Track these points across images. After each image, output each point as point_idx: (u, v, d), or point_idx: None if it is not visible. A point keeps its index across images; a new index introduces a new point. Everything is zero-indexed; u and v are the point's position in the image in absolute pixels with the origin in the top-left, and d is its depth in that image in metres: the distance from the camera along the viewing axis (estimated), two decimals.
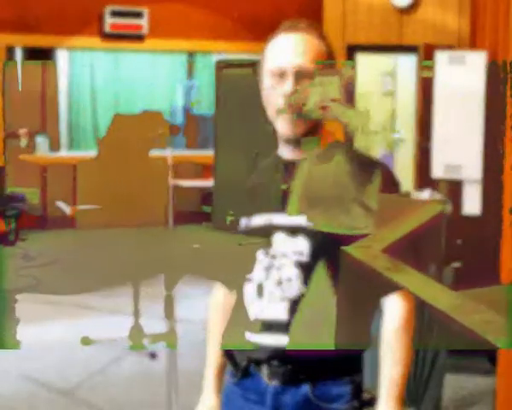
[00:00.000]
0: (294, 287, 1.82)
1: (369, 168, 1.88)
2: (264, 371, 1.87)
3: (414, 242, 1.80)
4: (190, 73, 10.05)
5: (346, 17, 6.42)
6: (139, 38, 7.47)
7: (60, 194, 5.11)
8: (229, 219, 2.00)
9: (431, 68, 4.47)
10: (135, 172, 5.04)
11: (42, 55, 8.39)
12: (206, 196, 7.80)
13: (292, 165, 1.91)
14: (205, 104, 9.68)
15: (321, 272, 1.83)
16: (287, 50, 1.85)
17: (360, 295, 1.85)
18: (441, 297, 1.78)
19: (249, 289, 1.89)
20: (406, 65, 7.38)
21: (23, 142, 8.06)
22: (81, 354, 4.93)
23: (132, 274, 5.35)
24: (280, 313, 1.83)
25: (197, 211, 7.34)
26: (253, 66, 1.94)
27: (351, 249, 1.76)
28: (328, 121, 1.93)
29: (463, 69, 4.52)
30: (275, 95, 1.85)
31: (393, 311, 1.85)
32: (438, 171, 4.59)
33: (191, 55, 9.64)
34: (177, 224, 4.32)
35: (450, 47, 5.58)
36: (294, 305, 1.82)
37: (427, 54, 5.44)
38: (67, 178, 8.09)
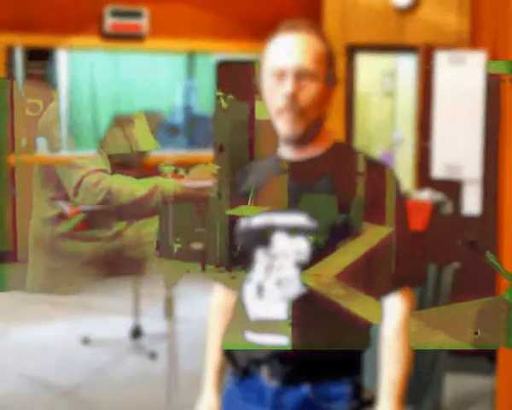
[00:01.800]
0: (294, 287, 1.82)
1: (370, 168, 1.88)
2: (264, 371, 1.87)
3: (365, 266, 1.81)
4: (190, 73, 10.04)
5: (346, 17, 6.40)
6: (139, 38, 7.46)
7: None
8: (176, 246, 2.04)
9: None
10: None
11: (42, 55, 8.38)
12: None
13: (292, 165, 1.91)
14: (205, 104, 9.66)
15: None
16: (287, 50, 1.85)
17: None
18: None
19: (249, 289, 1.89)
20: (406, 65, 7.38)
21: (23, 142, 8.05)
22: (81, 354, 4.93)
23: None
24: (280, 313, 1.83)
25: None
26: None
27: (304, 277, 1.78)
28: (329, 121, 1.93)
29: (463, 69, 4.52)
30: (275, 95, 1.85)
31: (393, 310, 1.85)
32: (438, 171, 4.59)
33: (191, 55, 9.63)
34: None
35: (450, 47, 5.58)
36: (294, 305, 1.82)
37: (427, 54, 5.43)
38: None
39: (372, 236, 1.80)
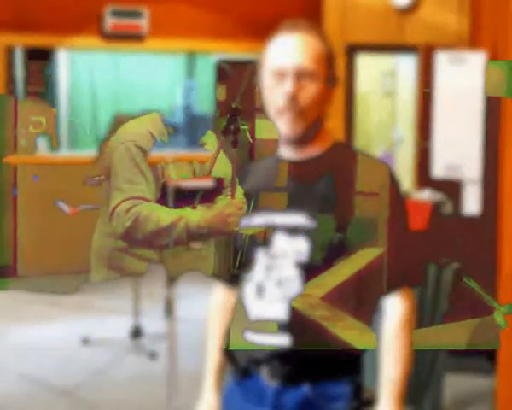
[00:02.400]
0: (294, 287, 1.82)
1: (370, 168, 1.88)
2: (265, 371, 1.87)
3: (354, 286, 1.81)
4: (190, 73, 10.04)
5: (346, 17, 6.40)
6: (139, 38, 7.46)
7: (60, 194, 5.10)
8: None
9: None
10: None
11: (42, 55, 8.38)
12: None
13: (292, 165, 1.91)
14: (205, 104, 9.66)
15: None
16: (287, 50, 1.85)
17: (360, 294, 1.85)
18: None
19: (249, 289, 1.89)
20: (406, 65, 7.37)
21: (23, 142, 8.05)
22: (81, 354, 4.93)
23: None
24: (280, 313, 1.83)
25: None
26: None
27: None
28: (328, 121, 1.94)
29: (463, 69, 4.52)
30: (275, 95, 1.86)
31: (394, 310, 1.85)
32: (438, 171, 4.59)
33: (191, 55, 9.64)
34: None
35: (450, 47, 5.57)
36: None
37: (427, 54, 5.43)
38: (67, 178, 8.07)
39: (365, 256, 1.81)
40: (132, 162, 3.09)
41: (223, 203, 3.00)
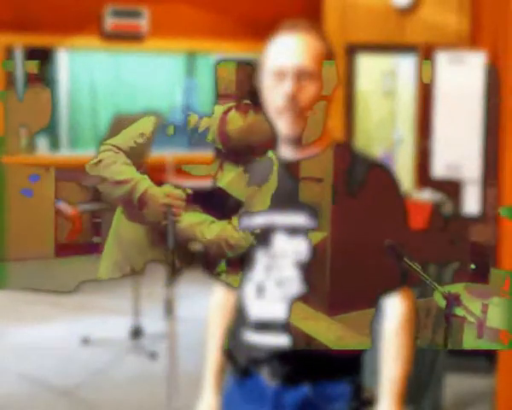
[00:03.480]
0: (294, 287, 1.82)
1: (369, 168, 1.88)
2: (265, 371, 1.87)
3: (364, 266, 1.82)
4: (190, 72, 10.04)
5: (346, 17, 6.40)
6: (139, 38, 7.46)
7: (60, 193, 5.10)
8: None
9: None
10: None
11: (42, 55, 8.38)
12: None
13: (292, 164, 1.91)
14: (205, 104, 9.65)
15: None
16: (287, 50, 1.85)
17: (360, 294, 1.85)
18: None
19: (249, 289, 1.89)
20: (406, 65, 7.37)
21: (23, 141, 8.04)
22: (81, 354, 4.93)
23: None
24: (280, 313, 1.83)
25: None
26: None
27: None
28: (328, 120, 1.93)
29: (463, 69, 4.52)
30: (274, 94, 1.85)
31: (394, 310, 1.85)
32: (438, 171, 4.59)
33: (191, 55, 9.64)
34: (64, 256, 4.23)
35: (450, 47, 5.57)
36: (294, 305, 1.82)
37: (427, 54, 5.43)
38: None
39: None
40: (141, 122, 3.11)
41: (162, 191, 2.95)
